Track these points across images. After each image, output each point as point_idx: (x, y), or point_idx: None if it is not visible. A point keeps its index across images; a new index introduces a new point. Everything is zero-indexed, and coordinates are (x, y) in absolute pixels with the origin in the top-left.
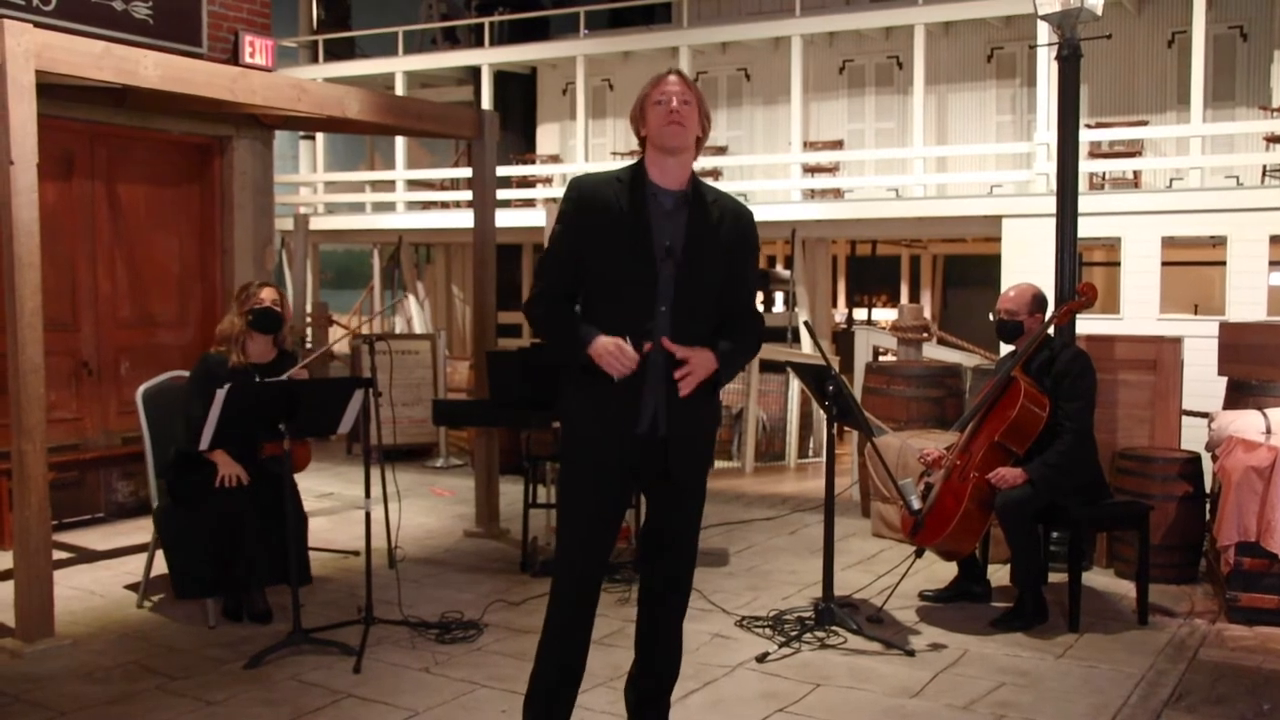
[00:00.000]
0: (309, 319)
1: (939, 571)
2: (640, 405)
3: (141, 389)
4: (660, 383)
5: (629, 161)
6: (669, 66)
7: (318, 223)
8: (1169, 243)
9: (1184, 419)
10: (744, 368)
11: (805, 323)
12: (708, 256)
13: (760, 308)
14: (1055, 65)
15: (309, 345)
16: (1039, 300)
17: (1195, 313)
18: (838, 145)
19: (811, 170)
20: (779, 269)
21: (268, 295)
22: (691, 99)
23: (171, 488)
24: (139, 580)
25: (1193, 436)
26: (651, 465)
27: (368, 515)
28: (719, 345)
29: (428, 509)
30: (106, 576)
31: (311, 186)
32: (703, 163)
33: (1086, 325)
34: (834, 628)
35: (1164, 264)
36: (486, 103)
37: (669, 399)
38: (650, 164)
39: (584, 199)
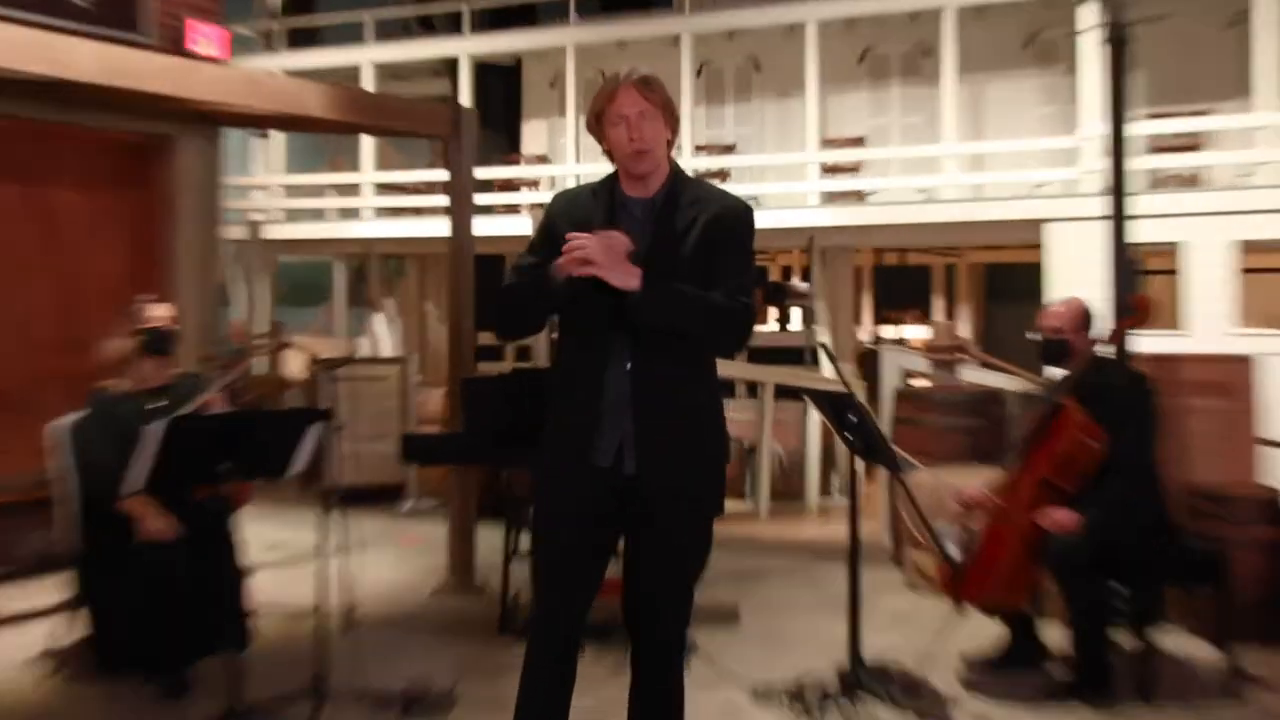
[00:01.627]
0: (263, 339)
1: (983, 631)
2: (598, 433)
3: (57, 423)
4: (624, 406)
5: None
6: (630, 70)
7: (274, 231)
8: (1243, 247)
9: (1265, 450)
10: (714, 343)
11: (823, 344)
12: (676, 263)
13: (776, 322)
14: (1101, 51)
15: (256, 367)
16: (1087, 316)
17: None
18: (859, 142)
19: (831, 170)
20: (795, 281)
21: (160, 313)
22: (654, 106)
23: (84, 551)
24: (47, 649)
25: (1276, 469)
26: (628, 509)
27: (324, 568)
28: (666, 283)
29: (394, 560)
30: (4, 646)
31: (267, 190)
32: (708, 163)
33: (1148, 344)
34: (863, 698)
35: (1240, 271)
36: (465, 97)
37: (637, 427)
38: (621, 176)
39: (560, 210)
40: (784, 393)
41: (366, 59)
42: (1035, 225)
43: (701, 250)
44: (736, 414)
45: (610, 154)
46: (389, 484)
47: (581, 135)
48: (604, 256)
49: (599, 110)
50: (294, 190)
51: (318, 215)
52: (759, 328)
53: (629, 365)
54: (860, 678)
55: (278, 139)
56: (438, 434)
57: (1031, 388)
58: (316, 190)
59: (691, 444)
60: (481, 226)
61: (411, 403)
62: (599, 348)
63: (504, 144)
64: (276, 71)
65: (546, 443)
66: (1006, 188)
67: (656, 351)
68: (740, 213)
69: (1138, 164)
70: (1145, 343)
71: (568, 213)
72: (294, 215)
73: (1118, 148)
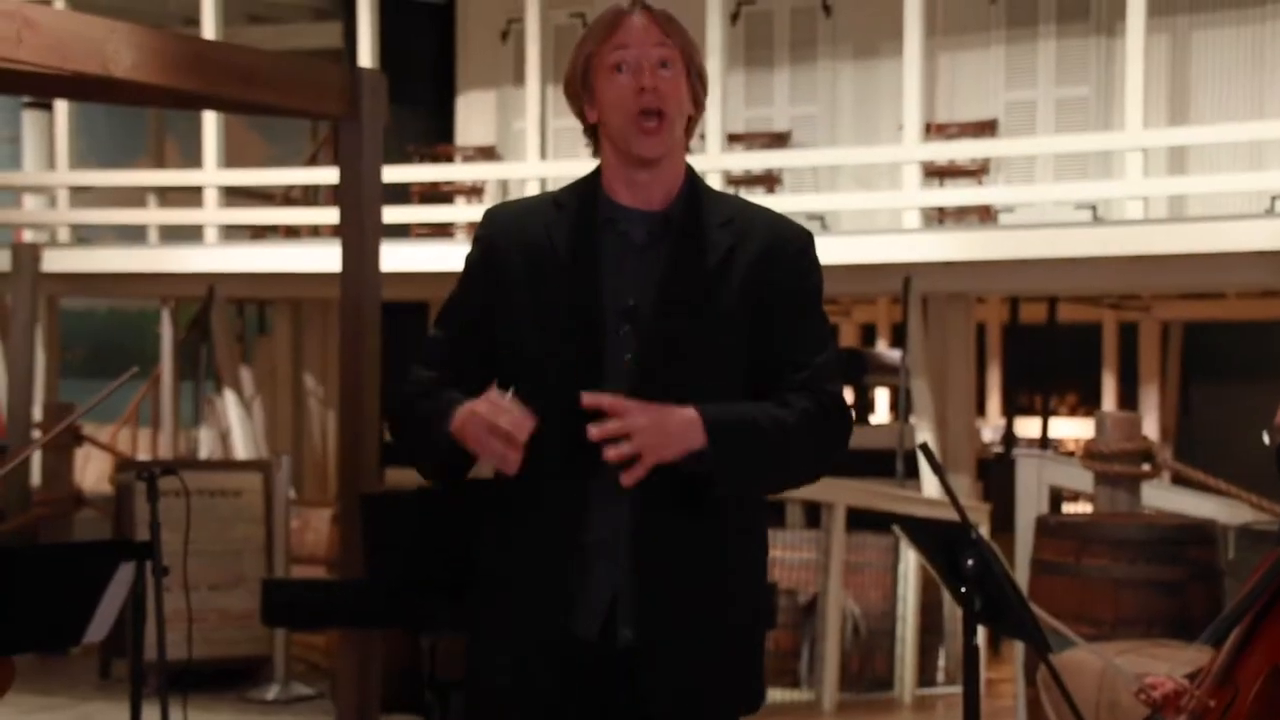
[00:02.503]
0: (39, 430)
1: None
2: (579, 586)
3: None
4: (618, 547)
5: None
6: None
7: (57, 260)
8: None
9: None
10: (797, 482)
11: (923, 445)
12: (700, 313)
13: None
14: None
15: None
16: None
17: None
18: (988, 129)
19: (939, 174)
20: (881, 348)
21: None
22: (673, 50)
23: None
24: None
25: None
26: (617, 698)
27: None
28: (713, 407)
29: None
30: None
31: (45, 196)
32: (747, 162)
33: None
34: None
35: None
36: (366, 54)
37: (639, 569)
38: (611, 173)
39: (497, 239)
40: (863, 521)
41: None
42: (1276, 261)
43: (748, 306)
44: (788, 553)
45: (594, 130)
46: (244, 658)
47: (552, 115)
48: (658, 438)
49: (585, 52)
50: (90, 196)
51: (131, 236)
52: None
53: (624, 491)
54: None
55: (65, 113)
56: (321, 581)
57: (1261, 519)
58: (128, 196)
59: (717, 605)
60: (395, 256)
61: (280, 531)
62: (580, 457)
63: (430, 128)
64: (59, 3)
65: (486, 598)
66: (1227, 200)
67: (667, 466)
68: (804, 245)
69: None
70: None
71: (513, 241)
72: (89, 235)
73: None
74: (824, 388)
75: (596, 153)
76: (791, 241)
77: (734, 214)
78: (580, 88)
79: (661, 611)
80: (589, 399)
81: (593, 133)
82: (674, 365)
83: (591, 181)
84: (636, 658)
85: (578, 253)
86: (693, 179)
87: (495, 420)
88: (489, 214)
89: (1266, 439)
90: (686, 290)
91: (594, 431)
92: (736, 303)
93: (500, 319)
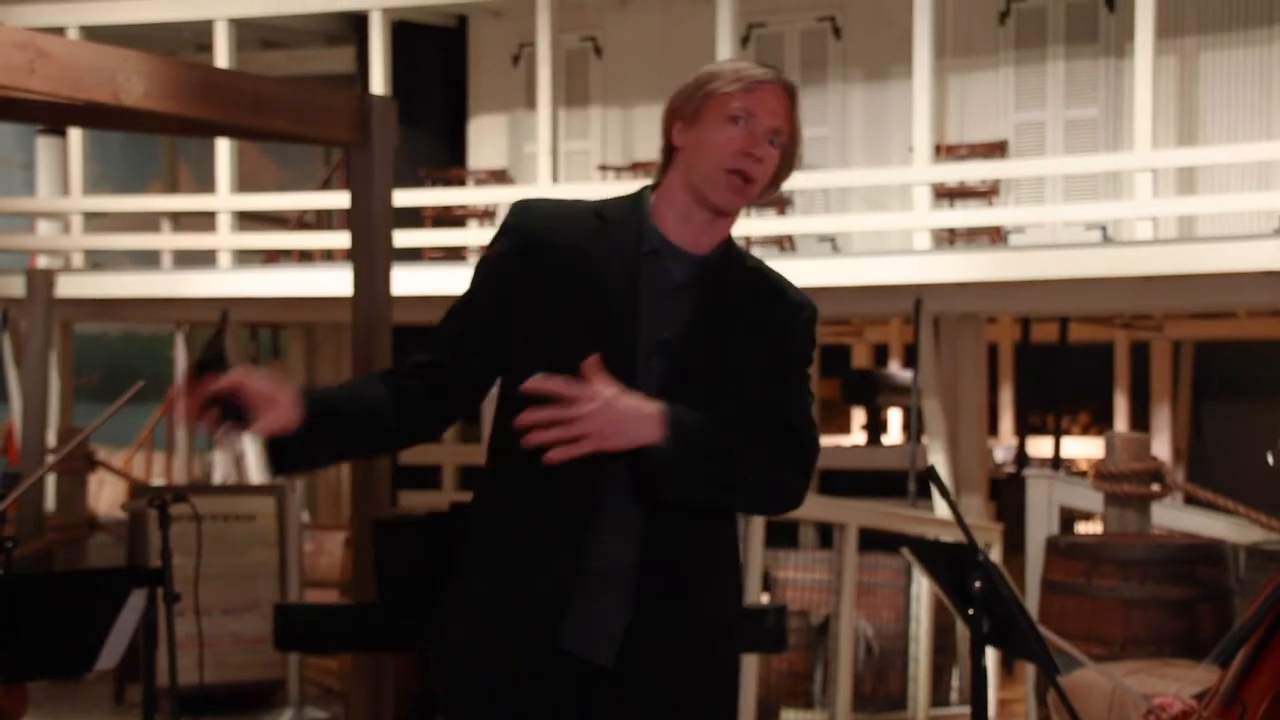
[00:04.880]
0: (53, 454)
1: None
2: (564, 590)
3: None
4: (621, 577)
5: (627, 183)
6: (763, 64)
7: (71, 285)
8: None
9: None
10: (754, 497)
11: (930, 469)
12: (728, 356)
13: (863, 431)
14: None
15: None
16: None
17: None
18: (998, 150)
19: (950, 195)
20: (893, 368)
21: None
22: (785, 136)
23: None
24: None
25: None
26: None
27: None
28: (679, 407)
29: None
30: None
31: (60, 221)
32: None
33: None
34: None
35: None
36: (378, 79)
37: (639, 610)
38: (668, 204)
39: (533, 233)
40: (876, 542)
41: (222, 14)
42: None
43: (762, 362)
44: (801, 574)
45: (672, 153)
46: (258, 682)
47: (563, 139)
48: (606, 424)
49: (710, 86)
50: (104, 222)
51: (145, 260)
52: (840, 440)
53: (633, 512)
54: None
55: (79, 141)
56: (334, 605)
57: (1271, 538)
58: (142, 221)
59: (709, 605)
60: (406, 280)
61: (293, 555)
62: (578, 479)
63: (442, 152)
64: (74, 29)
65: (466, 608)
66: (1236, 220)
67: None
68: (813, 315)
69: None
70: None
71: (550, 242)
72: (104, 260)
73: None
74: (794, 422)
75: (660, 173)
76: (804, 308)
77: (760, 280)
78: (688, 110)
79: (651, 625)
80: (534, 383)
81: (667, 154)
82: (696, 390)
83: (638, 205)
84: (621, 680)
85: (622, 279)
86: (732, 240)
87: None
88: (522, 206)
89: (1271, 459)
90: (715, 338)
91: (523, 417)
92: (754, 357)
93: (526, 317)
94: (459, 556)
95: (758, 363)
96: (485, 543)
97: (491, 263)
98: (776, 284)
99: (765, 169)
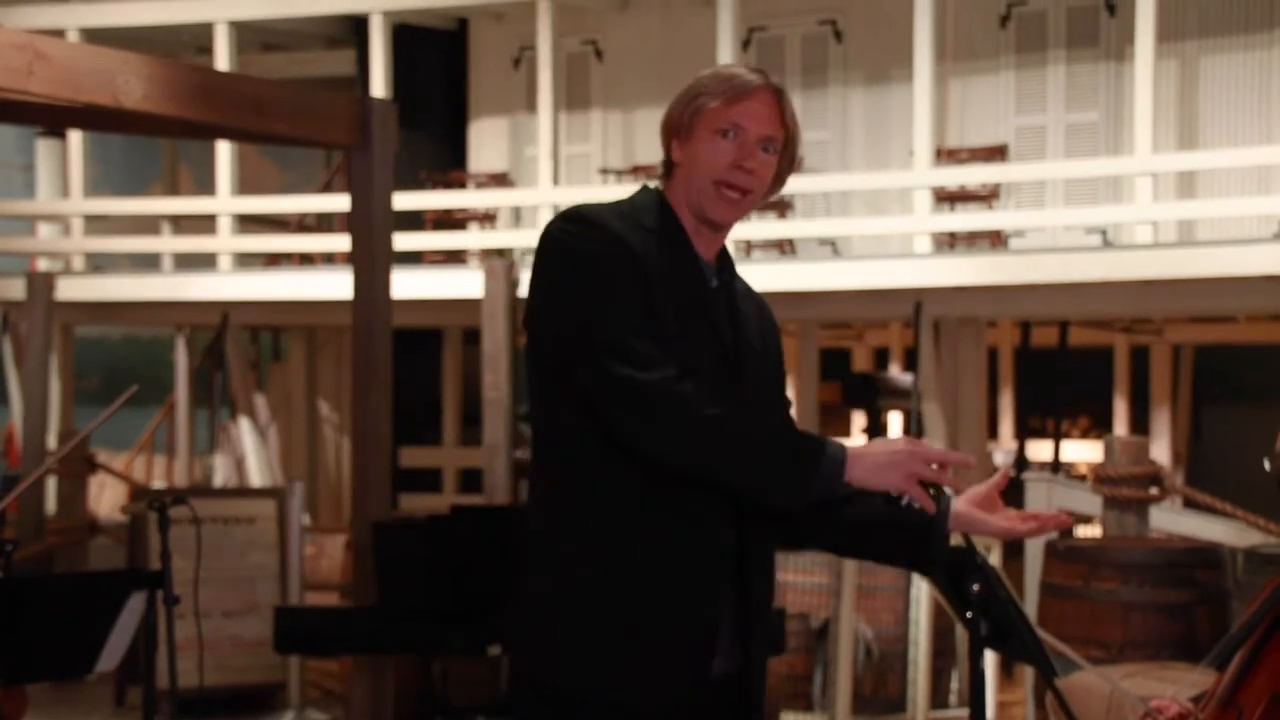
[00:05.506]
0: (53, 457)
1: None
2: (713, 613)
3: None
4: (727, 566)
5: (629, 186)
6: (753, 69)
7: (71, 288)
8: None
9: None
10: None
11: None
12: (761, 361)
13: (863, 434)
14: None
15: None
16: None
17: None
18: (998, 154)
19: (950, 199)
20: (893, 372)
21: None
22: (778, 141)
23: None
24: None
25: None
26: None
27: None
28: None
29: None
30: None
31: (60, 224)
32: None
33: None
34: None
35: None
36: (379, 81)
37: (742, 597)
38: (677, 208)
39: (625, 240)
40: None
41: (222, 16)
42: None
43: (776, 360)
44: (801, 577)
45: (670, 167)
46: (259, 685)
47: (564, 142)
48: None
49: (700, 101)
50: (104, 224)
51: (146, 264)
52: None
53: (735, 528)
54: None
55: (79, 143)
56: (334, 608)
57: (1268, 541)
58: (142, 224)
59: (773, 625)
60: (406, 284)
61: (294, 558)
62: (704, 503)
63: (443, 154)
64: (73, 31)
65: (597, 644)
66: (1236, 224)
67: (760, 507)
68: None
69: None
70: None
71: (635, 251)
72: (103, 263)
73: None
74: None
75: (663, 185)
76: (769, 310)
77: (745, 283)
78: (681, 127)
79: (759, 636)
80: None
81: (668, 166)
82: (770, 404)
83: (668, 213)
84: (749, 679)
85: (698, 287)
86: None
87: (930, 454)
88: (589, 213)
89: (1267, 465)
90: (750, 340)
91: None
92: (771, 357)
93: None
94: (543, 566)
95: (777, 367)
96: (616, 567)
97: (613, 266)
98: (753, 291)
99: (759, 178)
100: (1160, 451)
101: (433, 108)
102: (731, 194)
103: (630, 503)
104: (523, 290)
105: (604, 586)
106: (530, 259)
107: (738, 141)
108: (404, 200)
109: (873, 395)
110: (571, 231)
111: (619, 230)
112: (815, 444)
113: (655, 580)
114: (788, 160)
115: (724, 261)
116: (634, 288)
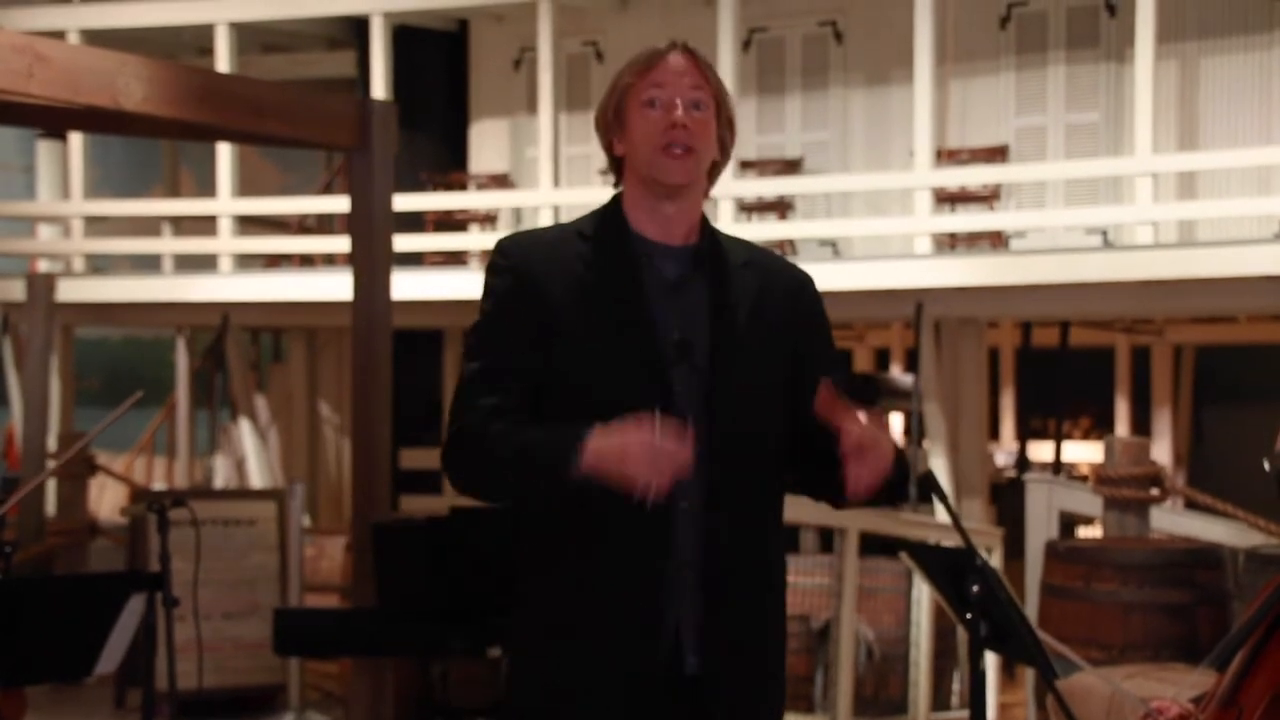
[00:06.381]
0: (53, 459)
1: None
2: (659, 608)
3: None
4: (684, 570)
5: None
6: (672, 38)
7: (72, 289)
8: None
9: None
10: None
11: (927, 474)
12: (750, 350)
13: None
14: None
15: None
16: None
17: None
18: (999, 154)
19: (951, 200)
20: (894, 372)
21: None
22: (707, 94)
23: None
24: None
25: None
26: None
27: None
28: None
29: None
30: None
31: (60, 225)
32: (760, 188)
33: None
34: None
35: None
36: (379, 83)
37: (707, 603)
38: (634, 206)
39: (529, 267)
40: (876, 546)
41: (222, 18)
42: None
43: (786, 343)
44: (802, 578)
45: (618, 164)
46: (259, 687)
47: (565, 143)
48: (866, 448)
49: (621, 86)
50: (104, 226)
51: (146, 265)
52: None
53: (692, 505)
54: None
55: (79, 145)
56: (334, 610)
57: (1269, 542)
58: (143, 225)
59: (765, 630)
60: (406, 285)
61: (294, 560)
62: (639, 511)
63: (444, 155)
64: (74, 32)
65: (548, 629)
66: (1237, 224)
67: (736, 483)
68: (813, 284)
69: None
70: None
71: (548, 270)
72: (104, 264)
73: None
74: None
75: (618, 185)
76: (806, 284)
77: (749, 256)
78: (612, 119)
79: (725, 642)
80: (826, 406)
81: (616, 166)
82: (731, 393)
83: (614, 214)
84: (702, 685)
85: (625, 287)
86: (705, 219)
87: (651, 448)
88: (510, 242)
89: (1267, 465)
90: (733, 328)
91: (849, 450)
92: (774, 341)
93: (553, 349)
94: (524, 557)
95: (787, 343)
96: (555, 555)
97: (500, 301)
98: (770, 261)
99: (699, 135)
100: (1161, 452)
101: (433, 109)
102: (676, 150)
103: (572, 504)
104: None
105: (548, 588)
106: None
107: (664, 105)
108: (404, 201)
109: (874, 396)
110: (489, 262)
111: (527, 251)
112: (562, 450)
113: (592, 580)
114: (725, 122)
115: (704, 239)
116: (517, 319)
